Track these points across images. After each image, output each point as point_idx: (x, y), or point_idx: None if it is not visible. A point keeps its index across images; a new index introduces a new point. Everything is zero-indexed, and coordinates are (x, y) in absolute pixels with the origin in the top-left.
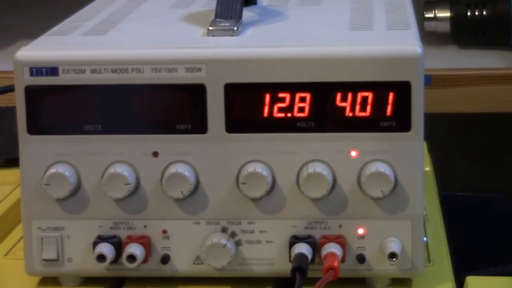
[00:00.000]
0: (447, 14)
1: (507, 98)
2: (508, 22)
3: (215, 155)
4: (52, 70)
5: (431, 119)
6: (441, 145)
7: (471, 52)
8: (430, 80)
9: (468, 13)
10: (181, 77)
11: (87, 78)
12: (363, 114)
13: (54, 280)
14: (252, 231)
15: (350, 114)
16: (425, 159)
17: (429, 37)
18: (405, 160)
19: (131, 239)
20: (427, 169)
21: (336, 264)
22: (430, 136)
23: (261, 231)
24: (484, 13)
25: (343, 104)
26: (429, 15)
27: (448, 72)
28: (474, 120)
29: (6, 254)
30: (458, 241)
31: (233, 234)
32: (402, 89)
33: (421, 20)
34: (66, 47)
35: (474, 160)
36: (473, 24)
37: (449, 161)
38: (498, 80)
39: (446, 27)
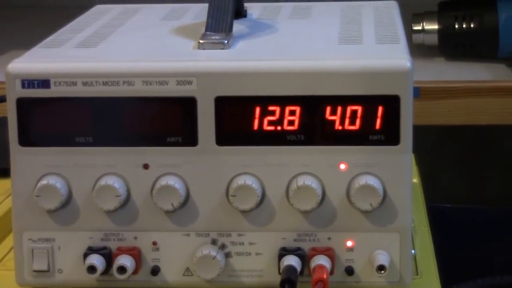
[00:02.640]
0: (435, 26)
1: (494, 110)
2: (495, 35)
3: (205, 167)
4: (44, 83)
5: (418, 131)
6: (428, 156)
7: (458, 65)
8: (418, 93)
9: (456, 26)
10: (172, 90)
11: (79, 91)
12: (352, 127)
13: None
14: (241, 243)
15: (340, 128)
16: (413, 170)
17: (417, 49)
18: (393, 173)
19: (122, 251)
20: (415, 180)
21: (325, 276)
22: (418, 148)
23: (250, 243)
24: (472, 26)
25: (333, 117)
26: (417, 27)
27: (436, 85)
28: (461, 132)
29: None
30: (446, 252)
31: (223, 246)
32: (391, 103)
33: (409, 32)
34: (57, 60)
35: (461, 172)
36: (461, 36)
37: (437, 172)
38: (485, 92)
39: (434, 39)
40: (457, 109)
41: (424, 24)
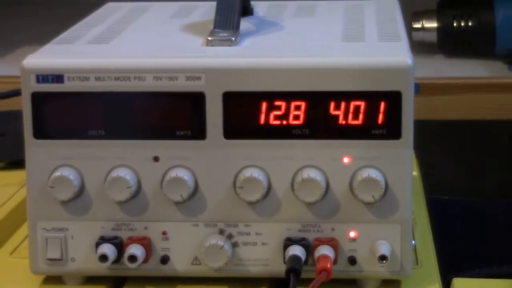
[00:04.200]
0: (434, 24)
1: (491, 105)
2: (492, 33)
3: (214, 160)
4: (58, 78)
5: (418, 126)
6: (428, 150)
7: (457, 62)
8: (418, 89)
9: (454, 24)
10: (182, 85)
11: (91, 86)
12: (355, 122)
13: (58, 279)
14: (248, 233)
15: (343, 122)
16: (413, 164)
17: (416, 47)
18: (395, 166)
19: (132, 240)
20: (415, 173)
21: (328, 265)
22: (418, 142)
23: (257, 233)
24: (470, 24)
25: (337, 112)
26: (417, 25)
27: (435, 81)
28: (460, 127)
29: (11, 253)
30: (445, 243)
31: (230, 236)
32: (393, 99)
33: (409, 30)
34: (71, 56)
35: (460, 165)
36: (459, 34)
37: (436, 166)
38: (483, 88)
39: (433, 37)
40: (455, 104)
41: (423, 22)
